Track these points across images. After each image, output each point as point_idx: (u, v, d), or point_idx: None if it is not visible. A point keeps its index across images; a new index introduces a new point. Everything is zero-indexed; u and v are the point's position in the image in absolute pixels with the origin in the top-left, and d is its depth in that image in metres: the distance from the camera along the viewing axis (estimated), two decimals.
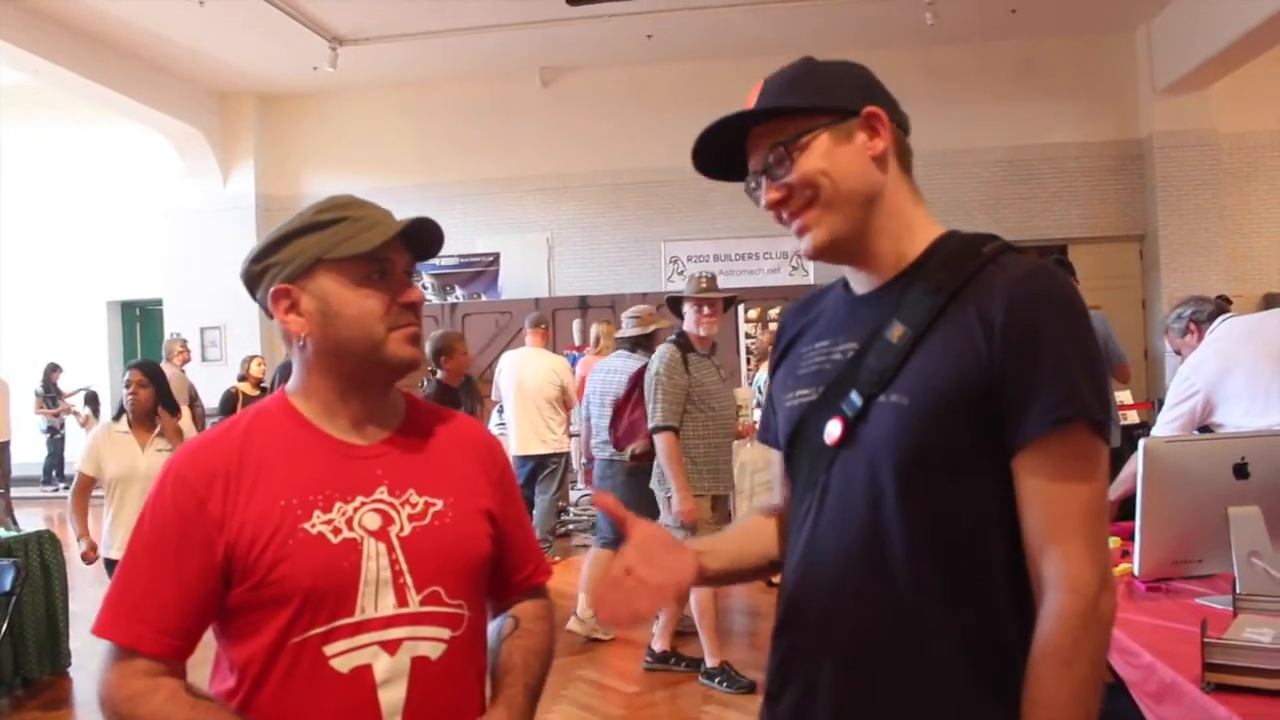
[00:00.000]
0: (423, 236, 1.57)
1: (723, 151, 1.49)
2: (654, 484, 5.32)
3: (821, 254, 1.46)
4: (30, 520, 6.32)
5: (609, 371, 6.29)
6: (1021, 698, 1.29)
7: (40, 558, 5.54)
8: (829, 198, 1.41)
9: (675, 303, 5.40)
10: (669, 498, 5.05)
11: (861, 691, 1.38)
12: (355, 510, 1.48)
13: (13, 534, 5.60)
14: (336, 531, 1.46)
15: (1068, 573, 1.28)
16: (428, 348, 6.34)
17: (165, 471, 1.51)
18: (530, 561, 1.74)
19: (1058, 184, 12.68)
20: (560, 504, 8.92)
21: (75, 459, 13.35)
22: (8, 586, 4.55)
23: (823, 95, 1.42)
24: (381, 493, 1.51)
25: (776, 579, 1.58)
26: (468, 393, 6.77)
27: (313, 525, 1.45)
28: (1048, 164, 12.65)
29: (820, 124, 1.40)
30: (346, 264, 1.50)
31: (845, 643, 1.39)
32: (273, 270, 1.53)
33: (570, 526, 9.67)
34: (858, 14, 11.37)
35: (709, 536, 1.80)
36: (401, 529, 1.50)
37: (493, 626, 1.69)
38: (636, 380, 5.68)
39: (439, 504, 1.55)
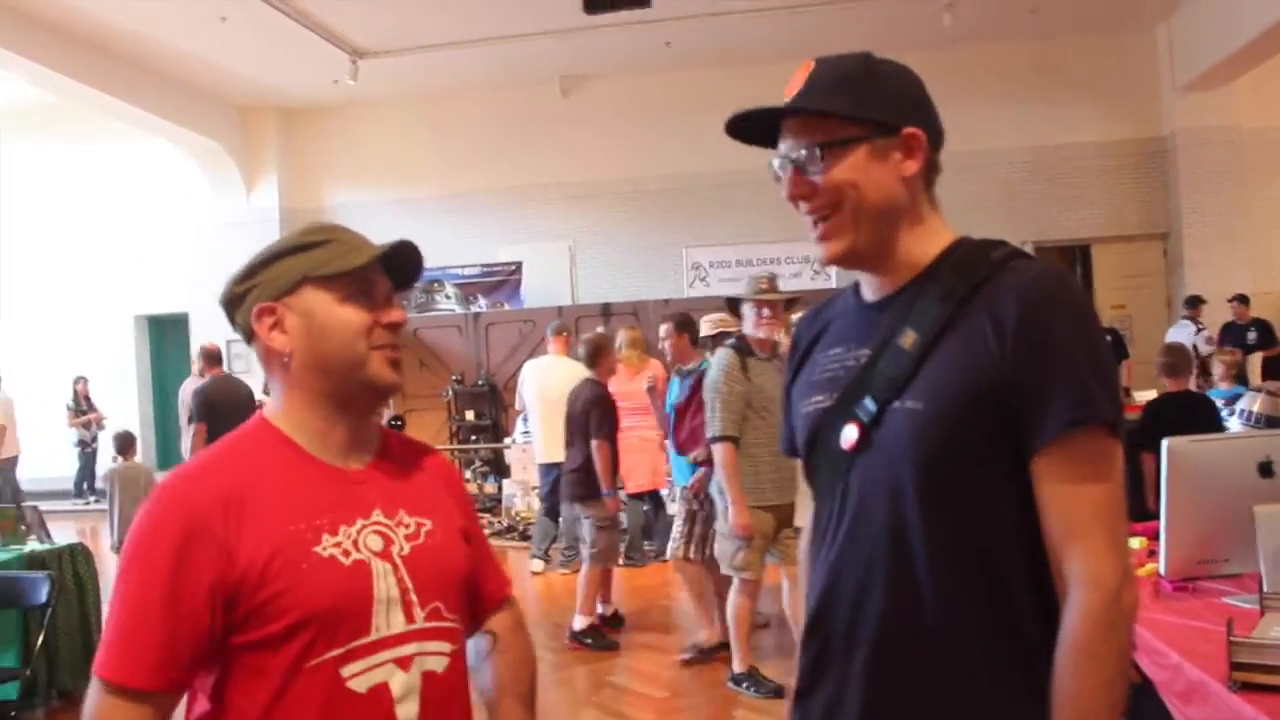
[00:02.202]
0: (404, 263, 1.59)
1: (755, 120, 1.49)
2: (714, 493, 5.27)
3: (837, 263, 1.48)
4: (63, 533, 6.38)
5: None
6: (1047, 693, 1.31)
7: (74, 570, 5.59)
8: (853, 211, 1.42)
9: (734, 304, 5.30)
10: (726, 508, 4.95)
11: (890, 690, 1.41)
12: (358, 533, 1.49)
13: (46, 546, 5.65)
14: (346, 554, 1.46)
15: (1090, 570, 1.30)
16: (581, 350, 6.49)
17: (158, 498, 1.46)
18: (494, 576, 1.76)
19: (1079, 184, 12.63)
20: None
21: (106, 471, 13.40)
22: (43, 599, 4.59)
23: (870, 106, 1.42)
24: (377, 515, 1.53)
25: None
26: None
27: (323, 549, 1.45)
28: (1069, 164, 12.60)
29: (861, 135, 1.41)
30: (332, 282, 1.51)
31: (873, 643, 1.42)
32: (256, 290, 1.53)
33: None
34: (876, 17, 11.37)
35: None
36: (401, 548, 1.52)
37: (470, 646, 1.69)
38: (698, 385, 5.67)
39: (428, 523, 1.58)
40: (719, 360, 5.06)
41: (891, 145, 1.42)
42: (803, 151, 1.43)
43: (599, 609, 6.52)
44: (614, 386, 8.35)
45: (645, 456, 7.31)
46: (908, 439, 1.38)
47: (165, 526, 1.41)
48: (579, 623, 6.25)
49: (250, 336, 1.55)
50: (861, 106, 1.42)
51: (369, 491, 1.55)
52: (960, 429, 1.35)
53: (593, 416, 6.19)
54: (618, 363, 7.36)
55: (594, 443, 6.14)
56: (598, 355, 6.44)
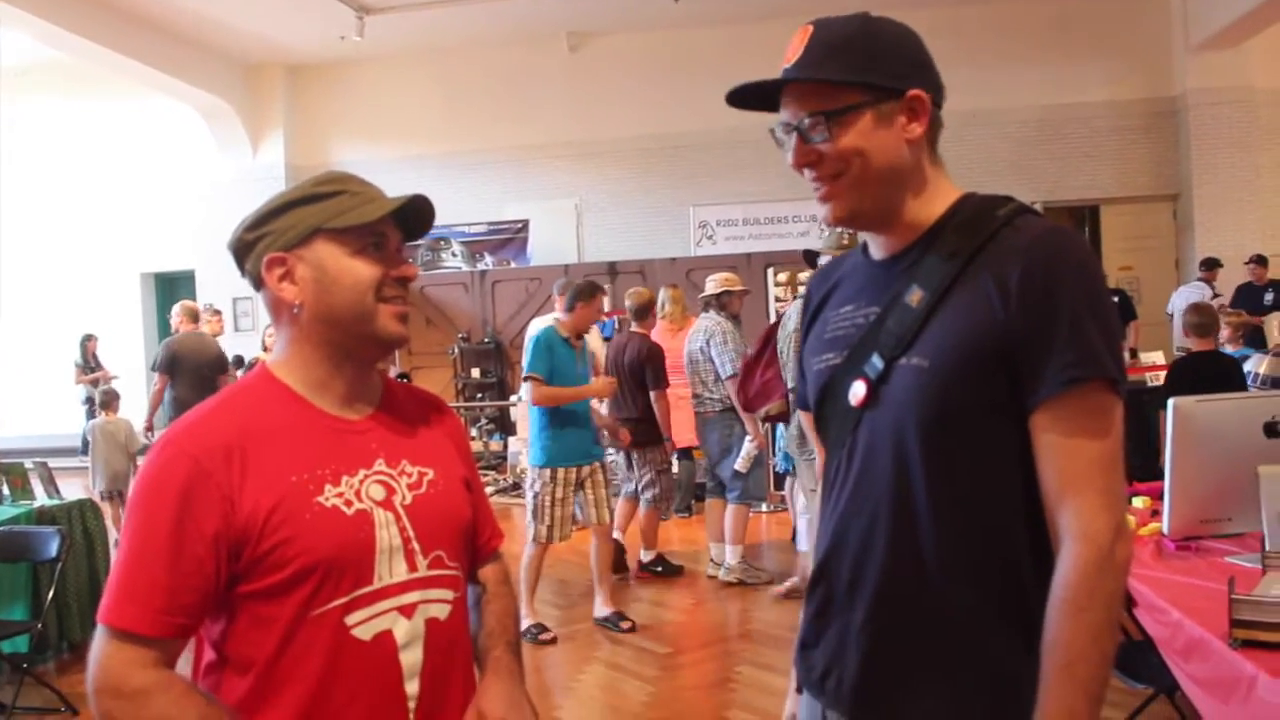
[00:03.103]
0: (416, 216, 1.60)
1: (755, 85, 1.49)
2: (793, 447, 5.15)
3: (841, 225, 1.50)
4: (71, 489, 6.43)
5: (696, 331, 6.73)
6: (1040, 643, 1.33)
7: (83, 525, 5.66)
8: (857, 176, 1.43)
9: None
10: (810, 460, 4.83)
11: (891, 641, 1.44)
12: (361, 482, 1.51)
13: (56, 502, 5.72)
14: (349, 504, 1.48)
15: (1083, 524, 1.31)
16: (629, 303, 6.88)
17: (162, 447, 1.46)
18: (488, 527, 1.78)
19: (1089, 144, 12.52)
20: None
21: None
22: (53, 553, 4.64)
23: (873, 71, 1.41)
24: (380, 464, 1.54)
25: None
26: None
27: (326, 499, 1.47)
28: (1079, 123, 12.49)
29: (865, 101, 1.41)
30: (345, 234, 1.51)
31: (875, 595, 1.44)
32: (268, 238, 1.53)
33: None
34: None
35: None
36: (404, 498, 1.54)
37: None
38: (768, 338, 5.61)
39: (430, 473, 1.60)
40: (799, 310, 4.98)
41: (896, 109, 1.42)
42: (806, 120, 1.43)
43: (642, 555, 6.89)
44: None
45: (683, 414, 7.35)
46: (913, 395, 1.39)
47: (169, 475, 1.43)
48: (646, 555, 6.86)
49: (259, 285, 1.56)
50: (864, 72, 1.41)
51: (371, 441, 1.57)
52: (963, 385, 1.36)
53: (649, 368, 6.54)
54: (659, 319, 7.40)
55: (654, 393, 6.54)
56: (646, 311, 6.81)
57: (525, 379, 5.51)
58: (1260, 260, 11.10)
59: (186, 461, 1.43)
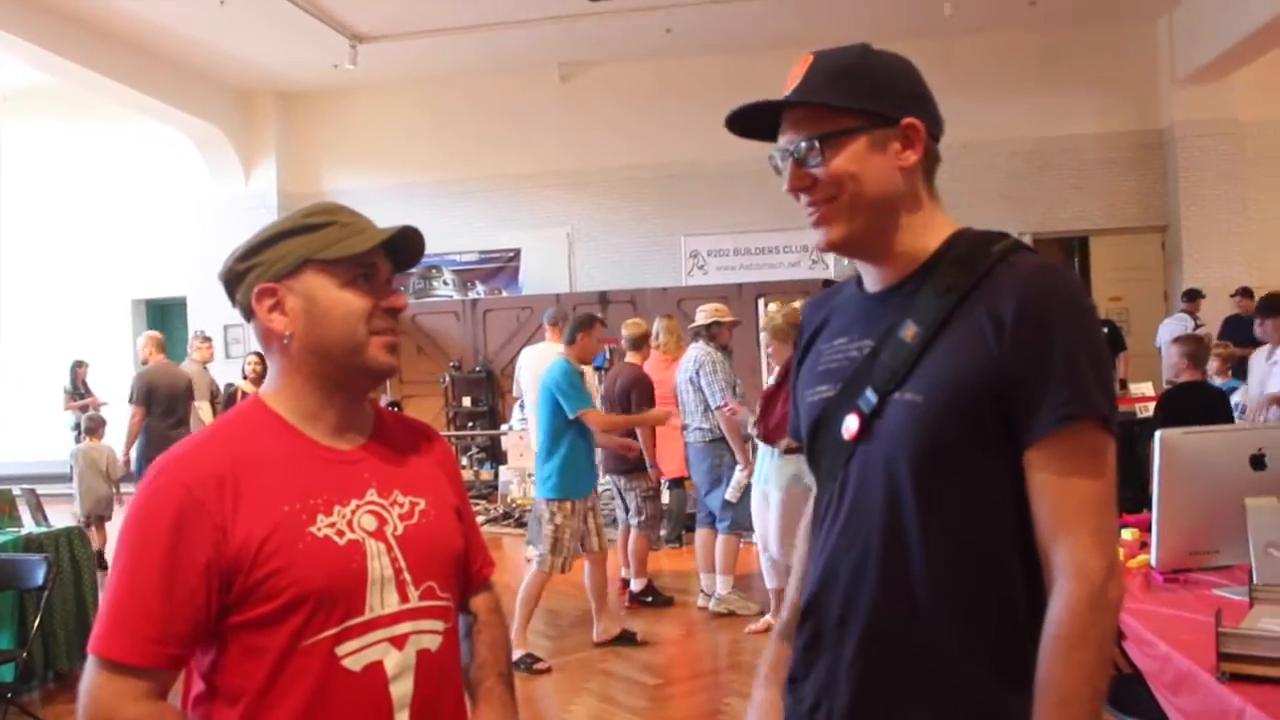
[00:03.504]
0: (406, 246, 1.60)
1: (755, 113, 1.51)
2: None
3: (834, 250, 1.50)
4: (60, 516, 6.40)
5: (686, 361, 6.74)
6: (1033, 680, 1.33)
7: (70, 553, 5.61)
8: (850, 201, 1.44)
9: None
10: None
11: (881, 675, 1.43)
12: (353, 512, 1.51)
13: (43, 530, 5.67)
14: (340, 534, 1.48)
15: (1075, 562, 1.31)
16: (624, 333, 7.01)
17: (155, 476, 1.46)
18: (480, 555, 1.78)
19: (1078, 175, 12.62)
20: None
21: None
22: (40, 581, 4.61)
23: (868, 98, 1.43)
24: (372, 494, 1.55)
25: None
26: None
27: (318, 529, 1.47)
28: (1068, 155, 12.59)
29: (859, 127, 1.42)
30: (335, 265, 1.52)
31: (865, 629, 1.44)
32: (258, 269, 1.54)
33: None
34: (876, 5, 11.34)
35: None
36: (395, 528, 1.54)
37: None
38: (789, 369, 5.61)
39: (422, 503, 1.60)
40: None
41: (890, 136, 1.44)
42: (802, 144, 1.44)
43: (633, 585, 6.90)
44: (650, 373, 8.36)
45: (675, 444, 7.34)
46: (905, 430, 1.40)
47: (161, 504, 1.43)
48: (636, 585, 6.83)
49: (249, 315, 1.56)
50: (859, 98, 1.43)
51: (363, 471, 1.57)
52: (957, 422, 1.37)
53: (634, 395, 6.57)
54: (654, 349, 7.43)
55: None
56: (642, 342, 6.93)
57: (576, 417, 5.56)
58: (1246, 293, 11.15)
59: (179, 490, 1.43)
